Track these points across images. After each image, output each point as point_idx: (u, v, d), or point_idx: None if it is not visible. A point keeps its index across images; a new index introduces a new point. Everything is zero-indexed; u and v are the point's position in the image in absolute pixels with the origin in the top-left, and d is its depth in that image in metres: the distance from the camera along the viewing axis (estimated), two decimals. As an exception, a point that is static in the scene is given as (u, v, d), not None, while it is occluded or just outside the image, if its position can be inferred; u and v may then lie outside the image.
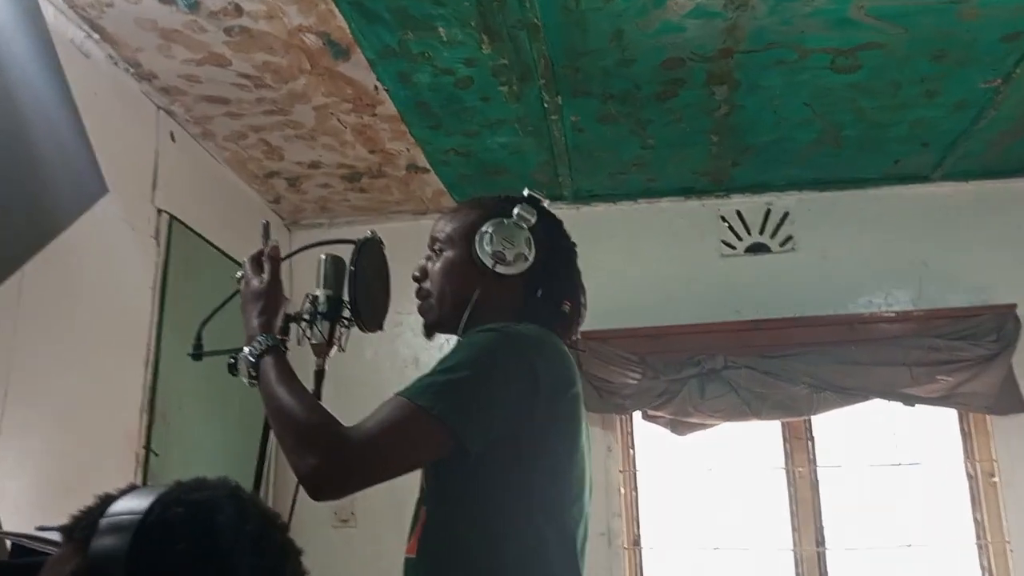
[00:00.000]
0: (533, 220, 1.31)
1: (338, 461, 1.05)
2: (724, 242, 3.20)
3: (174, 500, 0.66)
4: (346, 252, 1.38)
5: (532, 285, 1.31)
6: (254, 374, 1.22)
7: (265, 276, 1.30)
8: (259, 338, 1.23)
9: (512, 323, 1.23)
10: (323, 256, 1.39)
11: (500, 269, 1.27)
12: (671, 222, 3.25)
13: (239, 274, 1.34)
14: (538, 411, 1.15)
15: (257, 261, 1.33)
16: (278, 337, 1.25)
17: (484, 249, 1.29)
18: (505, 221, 1.30)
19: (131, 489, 0.70)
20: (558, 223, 1.39)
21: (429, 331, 1.37)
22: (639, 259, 3.22)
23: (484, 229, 1.30)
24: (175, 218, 2.61)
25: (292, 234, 3.47)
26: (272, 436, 1.16)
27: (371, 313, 1.37)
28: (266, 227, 1.38)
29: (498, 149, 2.82)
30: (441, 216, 1.40)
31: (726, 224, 3.21)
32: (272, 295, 1.28)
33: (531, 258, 1.29)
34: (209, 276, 2.73)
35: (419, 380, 1.14)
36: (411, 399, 1.10)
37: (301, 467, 1.06)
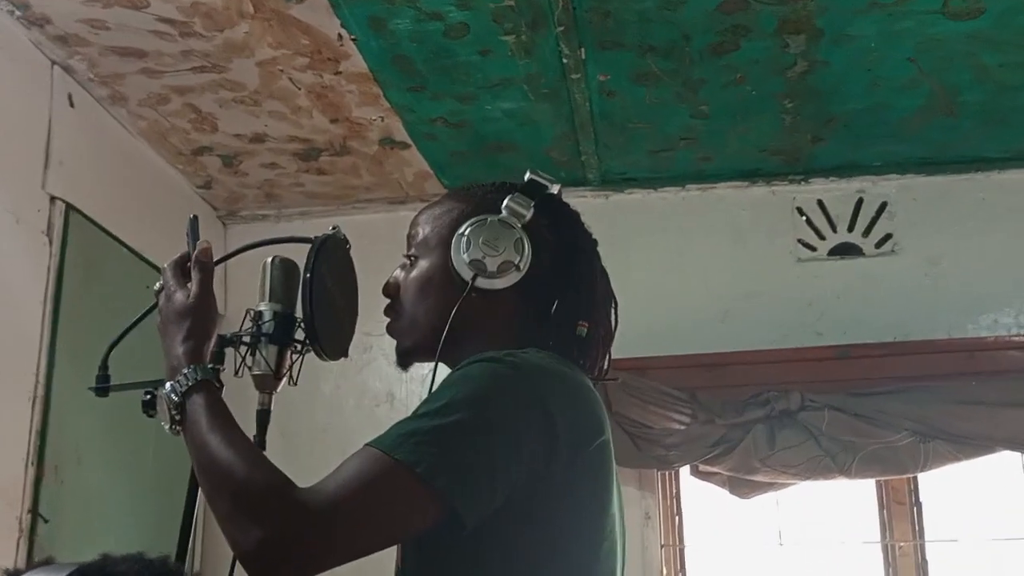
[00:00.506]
0: (528, 215, 1.32)
1: (292, 535, 1.04)
2: (801, 242, 3.19)
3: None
4: (300, 254, 1.38)
5: (534, 301, 1.33)
6: (178, 417, 1.22)
7: (193, 287, 1.30)
8: (185, 370, 1.23)
9: (517, 350, 1.23)
10: (270, 260, 1.40)
11: (481, 283, 1.29)
12: (731, 215, 3.25)
13: (158, 285, 1.35)
14: (555, 469, 1.15)
15: (182, 267, 1.33)
16: (210, 368, 1.26)
17: (460, 257, 1.31)
18: (489, 219, 1.32)
19: (45, 563, 0.70)
20: (571, 216, 1.40)
21: (403, 359, 1.38)
22: (688, 264, 3.22)
23: (461, 231, 1.32)
24: (73, 208, 2.61)
25: (228, 230, 3.47)
26: (201, 498, 1.15)
27: (333, 335, 1.38)
28: (194, 222, 1.38)
29: (501, 118, 2.82)
30: (421, 210, 1.41)
31: (803, 218, 3.21)
32: (202, 312, 1.28)
33: (524, 266, 1.31)
34: (118, 285, 2.73)
35: (398, 426, 1.14)
36: (388, 451, 1.09)
37: (242, 541, 1.06)
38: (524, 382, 1.17)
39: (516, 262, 1.30)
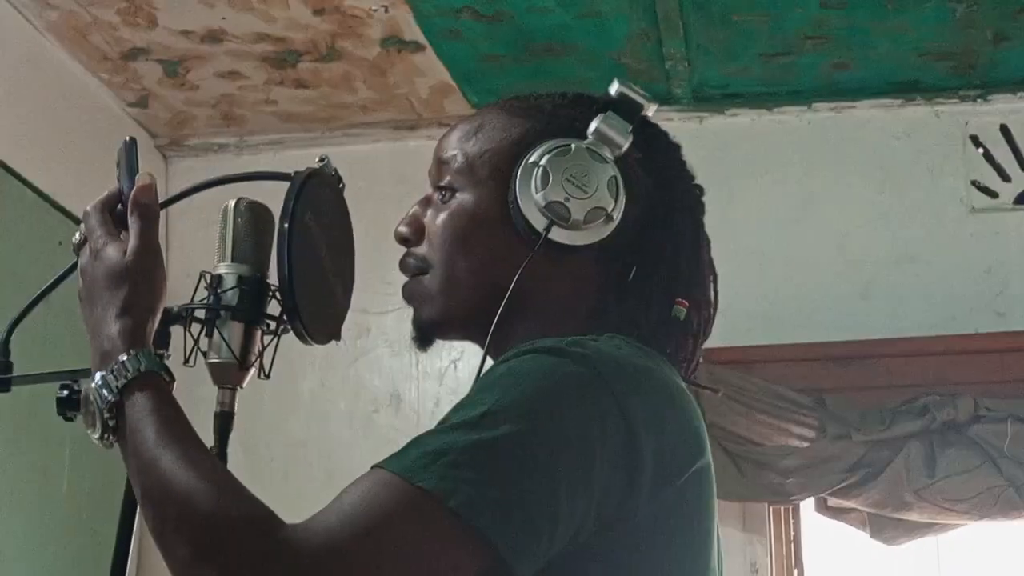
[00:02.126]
0: (626, 144, 1.31)
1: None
2: (976, 184, 3.16)
3: None
4: (275, 197, 1.38)
5: (616, 266, 1.33)
6: (112, 423, 1.21)
7: (130, 240, 1.29)
8: (122, 357, 1.22)
9: (586, 337, 1.22)
10: (232, 203, 1.39)
11: (560, 236, 1.28)
12: (876, 147, 3.23)
13: (77, 236, 1.34)
14: (637, 505, 1.14)
15: (109, 210, 1.33)
16: (157, 354, 1.26)
17: (530, 196, 1.29)
18: (574, 145, 1.30)
19: None
20: (671, 151, 1.39)
21: (425, 334, 1.37)
22: (815, 216, 3.21)
23: (533, 158, 1.30)
24: (-41, 132, 2.64)
25: (171, 164, 3.49)
26: (139, 536, 1.14)
27: (319, 308, 1.37)
28: (130, 148, 1.38)
29: (554, 8, 2.81)
30: (455, 126, 1.40)
31: (980, 151, 3.17)
32: (143, 275, 1.27)
33: (617, 216, 1.29)
34: (20, 241, 2.75)
35: (420, 441, 1.13)
36: (408, 477, 1.08)
37: None
38: (599, 385, 1.15)
39: (609, 209, 1.28)
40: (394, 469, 1.09)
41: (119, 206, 1.33)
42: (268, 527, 1.07)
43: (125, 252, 1.28)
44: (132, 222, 1.30)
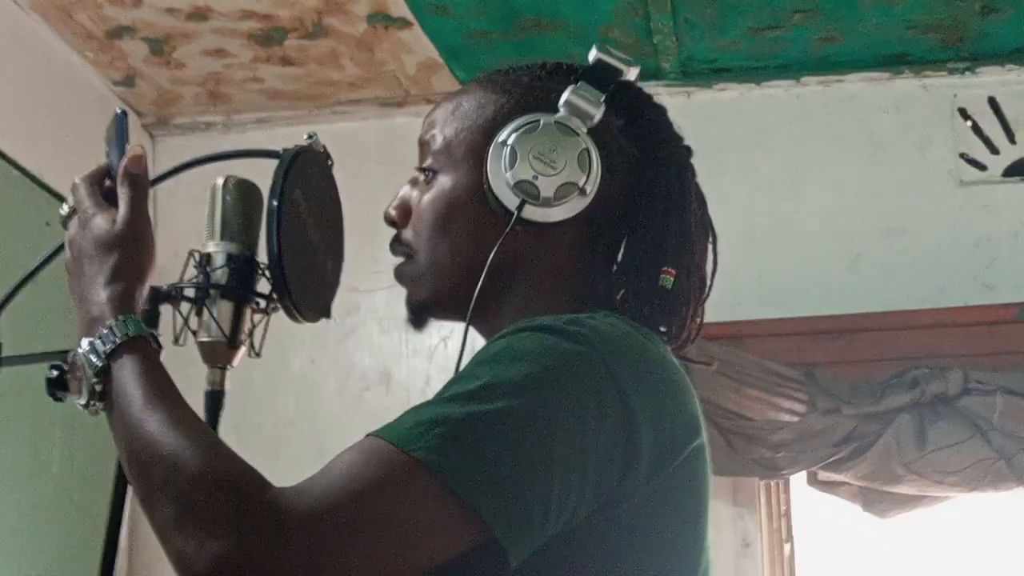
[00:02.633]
0: (597, 115, 1.30)
1: (262, 549, 1.03)
2: (965, 157, 3.16)
3: None
4: (263, 175, 1.37)
5: (601, 238, 1.33)
6: (100, 388, 1.21)
7: (120, 209, 1.29)
8: (110, 322, 1.22)
9: (582, 315, 1.21)
10: (221, 181, 1.39)
11: (530, 213, 1.28)
12: (864, 119, 3.23)
13: (65, 208, 1.34)
14: (633, 486, 1.14)
15: (98, 183, 1.33)
16: (145, 325, 1.25)
17: (501, 175, 1.29)
18: (542, 120, 1.30)
19: None
20: (654, 114, 1.38)
21: (417, 315, 1.37)
22: (804, 189, 3.21)
23: (501, 138, 1.30)
24: (-56, 113, 2.63)
25: (157, 143, 3.49)
26: (131, 512, 1.13)
27: (309, 285, 1.37)
28: (121, 121, 1.38)
29: (541, -18, 2.82)
30: (439, 103, 1.39)
31: (968, 123, 3.17)
32: (133, 244, 1.27)
33: (592, 189, 1.29)
34: (8, 220, 2.74)
35: (415, 411, 1.12)
36: (401, 445, 1.07)
37: (192, 558, 1.04)
38: (596, 363, 1.15)
39: (581, 184, 1.28)
40: (387, 437, 1.08)
41: (107, 181, 1.33)
42: (255, 488, 1.07)
43: (115, 221, 1.28)
44: (122, 192, 1.30)
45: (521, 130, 1.29)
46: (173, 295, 1.36)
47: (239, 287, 1.36)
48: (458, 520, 1.07)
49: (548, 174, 1.27)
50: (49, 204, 2.82)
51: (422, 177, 1.37)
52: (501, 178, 1.28)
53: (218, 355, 1.36)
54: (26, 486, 2.81)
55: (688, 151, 1.38)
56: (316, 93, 3.34)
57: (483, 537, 1.07)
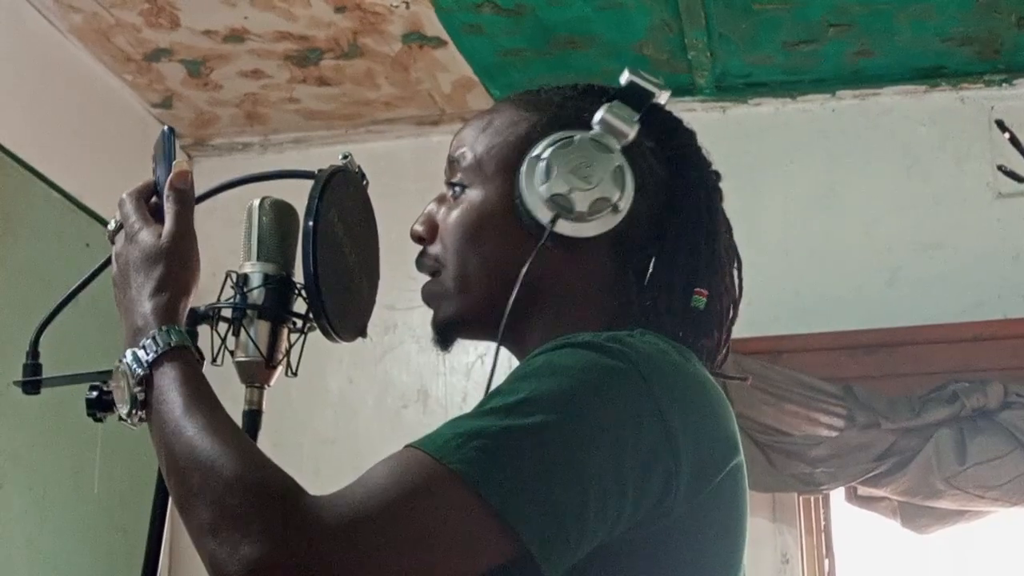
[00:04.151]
0: (632, 134, 1.30)
1: (298, 556, 1.03)
2: (1002, 169, 3.13)
3: None
4: (299, 195, 1.38)
5: (632, 257, 1.33)
6: (141, 396, 1.22)
7: (167, 224, 1.30)
8: (154, 331, 1.23)
9: (621, 332, 1.20)
10: (257, 202, 1.40)
11: (564, 228, 1.28)
12: (900, 132, 3.22)
13: (113, 223, 1.34)
14: (672, 506, 1.14)
15: (145, 199, 1.34)
16: (188, 333, 1.26)
17: (534, 189, 1.29)
18: (577, 137, 1.30)
19: None
20: (685, 138, 1.38)
21: (444, 334, 1.37)
22: (840, 204, 3.20)
23: (536, 152, 1.30)
24: (-15, 136, 2.64)
25: (195, 163, 3.50)
26: (172, 523, 1.13)
27: (345, 305, 1.37)
28: (168, 137, 1.38)
29: (575, 1, 2.81)
30: (470, 121, 1.40)
31: (1006, 135, 3.15)
32: (179, 258, 1.28)
33: (625, 206, 1.29)
34: (47, 242, 2.76)
35: (453, 423, 1.12)
36: (438, 456, 1.07)
37: (227, 563, 1.05)
38: (637, 383, 1.15)
39: (614, 199, 1.28)
40: (425, 448, 1.09)
41: (154, 197, 1.34)
42: (290, 495, 1.07)
43: (160, 236, 1.29)
44: (168, 207, 1.31)
45: (556, 145, 1.29)
46: (210, 315, 1.37)
47: (276, 307, 1.36)
48: (493, 533, 1.06)
49: (583, 188, 1.27)
50: (90, 225, 2.84)
51: (450, 193, 1.37)
52: (535, 192, 1.28)
53: (256, 374, 1.37)
54: (68, 507, 2.82)
55: (717, 175, 1.38)
56: (352, 113, 3.35)
57: (518, 551, 1.07)
